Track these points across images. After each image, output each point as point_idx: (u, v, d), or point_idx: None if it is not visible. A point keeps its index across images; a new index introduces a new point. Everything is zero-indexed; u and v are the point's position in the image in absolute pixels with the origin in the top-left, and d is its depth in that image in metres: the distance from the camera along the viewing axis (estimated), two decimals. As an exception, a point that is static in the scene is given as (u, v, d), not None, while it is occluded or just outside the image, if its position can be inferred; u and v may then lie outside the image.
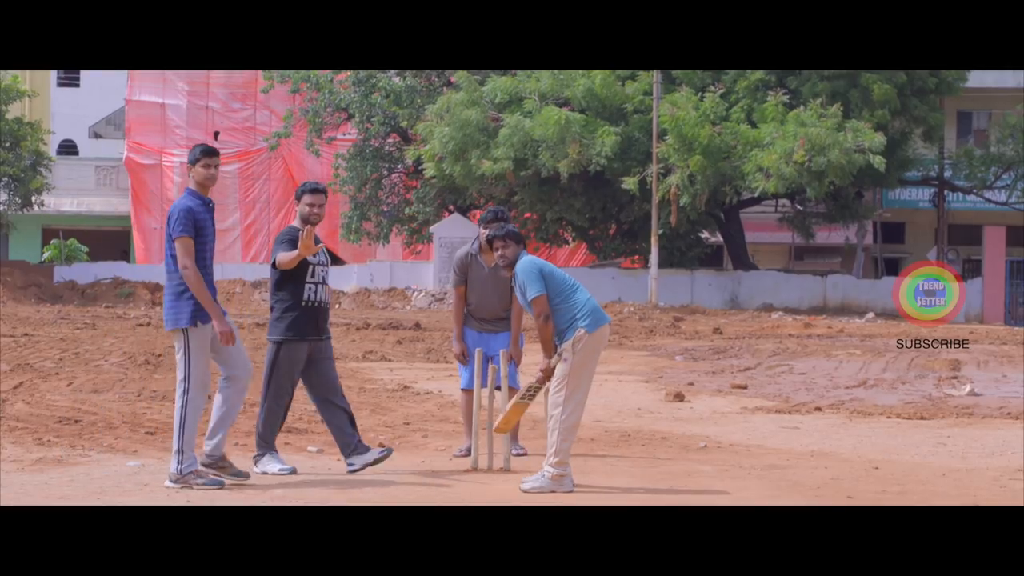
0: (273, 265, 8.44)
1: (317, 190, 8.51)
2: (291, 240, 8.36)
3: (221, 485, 7.81)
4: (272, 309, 8.59)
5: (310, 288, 8.43)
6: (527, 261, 8.12)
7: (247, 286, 35.53)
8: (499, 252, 8.22)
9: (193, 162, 7.95)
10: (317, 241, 8.30)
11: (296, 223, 8.54)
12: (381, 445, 9.70)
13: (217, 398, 8.07)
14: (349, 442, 8.47)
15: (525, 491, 7.82)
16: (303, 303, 8.41)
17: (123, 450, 9.19)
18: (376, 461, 8.40)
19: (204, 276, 7.83)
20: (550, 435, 7.94)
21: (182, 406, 7.80)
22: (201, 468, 7.88)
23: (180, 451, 7.77)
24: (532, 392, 8.33)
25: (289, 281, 8.42)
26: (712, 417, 12.07)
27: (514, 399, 8.56)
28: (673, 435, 10.69)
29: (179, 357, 7.87)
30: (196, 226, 7.81)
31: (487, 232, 9.23)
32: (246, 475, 8.09)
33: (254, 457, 8.47)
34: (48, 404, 11.48)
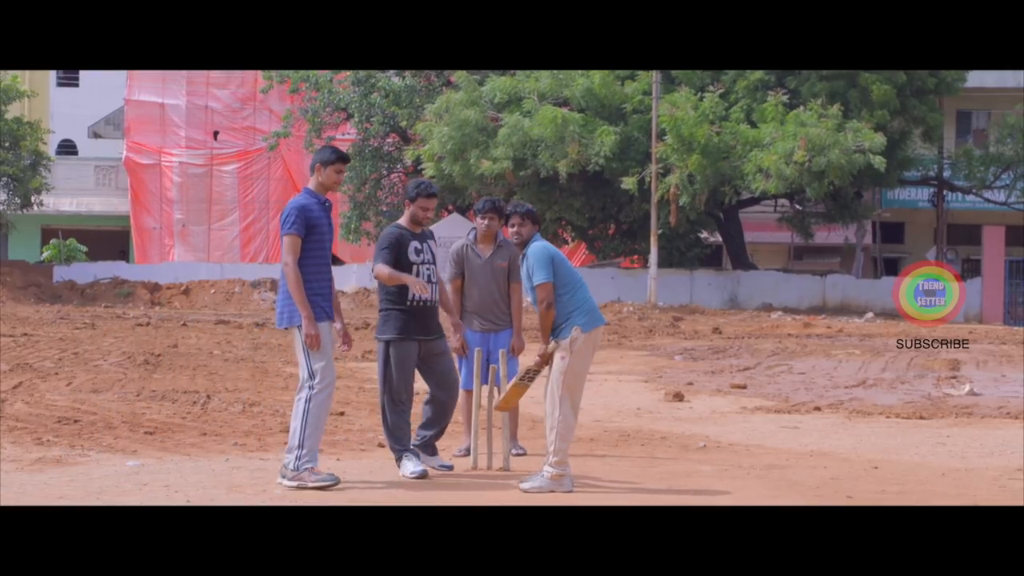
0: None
1: (433, 194, 8.58)
2: (391, 246, 8.30)
3: (337, 482, 7.78)
4: (380, 309, 8.52)
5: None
6: (541, 246, 8.11)
7: (246, 286, 35.52)
8: (515, 229, 8.22)
9: (325, 163, 7.97)
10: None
11: (404, 222, 8.51)
12: (381, 445, 9.72)
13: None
14: (422, 436, 8.54)
15: (525, 491, 7.82)
16: (408, 302, 8.37)
17: (122, 450, 9.19)
18: (437, 468, 8.48)
19: (320, 274, 7.86)
20: (548, 435, 7.94)
21: (304, 400, 7.76)
22: (317, 466, 7.85)
23: (299, 447, 7.73)
24: (531, 375, 8.33)
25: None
26: (711, 417, 12.07)
27: (513, 380, 8.57)
28: (672, 435, 10.69)
29: (298, 356, 7.85)
30: (309, 225, 7.82)
31: (484, 222, 9.24)
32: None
33: (397, 461, 8.41)
34: (47, 404, 11.48)
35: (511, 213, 8.28)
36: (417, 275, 8.37)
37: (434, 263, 8.58)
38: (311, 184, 8.03)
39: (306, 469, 7.74)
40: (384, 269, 8.30)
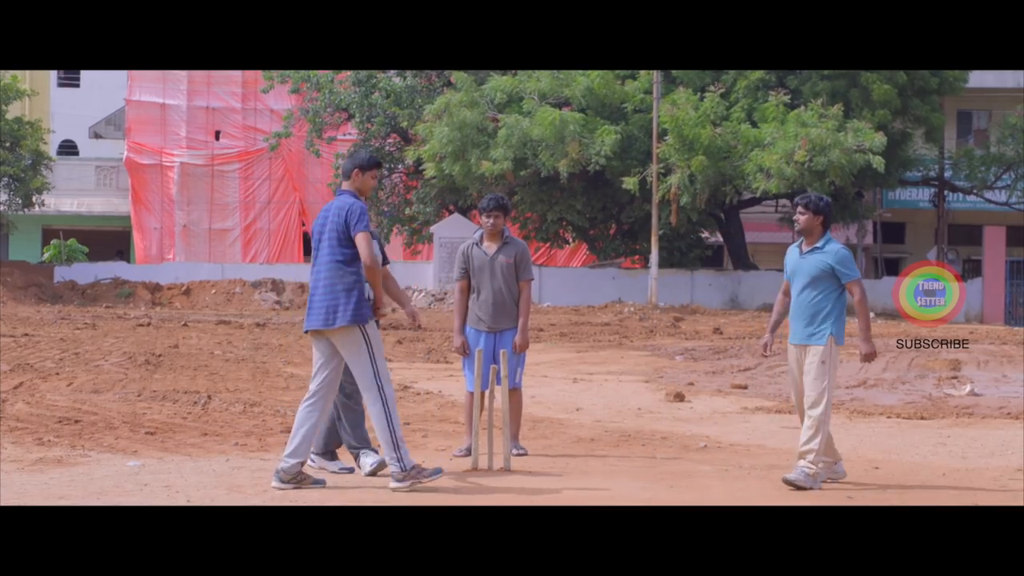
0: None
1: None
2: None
3: (441, 473, 7.81)
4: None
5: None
6: (843, 247, 8.41)
7: (247, 286, 35.52)
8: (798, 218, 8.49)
9: (364, 168, 8.01)
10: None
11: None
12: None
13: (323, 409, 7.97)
14: (327, 445, 8.51)
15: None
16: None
17: (123, 450, 9.18)
18: (336, 472, 8.44)
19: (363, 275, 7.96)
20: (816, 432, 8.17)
21: (383, 403, 7.74)
22: (418, 463, 7.85)
23: (397, 448, 7.73)
24: None
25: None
26: (712, 417, 12.07)
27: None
28: (673, 435, 10.69)
29: (361, 356, 7.78)
30: None
31: (489, 220, 9.25)
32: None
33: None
34: (48, 404, 11.48)
35: (798, 204, 8.53)
36: None
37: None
38: (350, 186, 8.03)
39: (413, 467, 7.76)
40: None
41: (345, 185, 8.08)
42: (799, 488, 8.03)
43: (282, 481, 7.77)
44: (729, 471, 8.82)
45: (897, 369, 16.78)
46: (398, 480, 7.74)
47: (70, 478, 8.00)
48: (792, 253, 8.56)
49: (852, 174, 29.31)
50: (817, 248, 8.39)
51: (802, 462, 8.20)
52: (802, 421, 8.34)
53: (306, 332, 7.98)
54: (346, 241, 7.80)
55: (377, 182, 8.32)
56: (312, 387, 7.95)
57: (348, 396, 8.46)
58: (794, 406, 8.51)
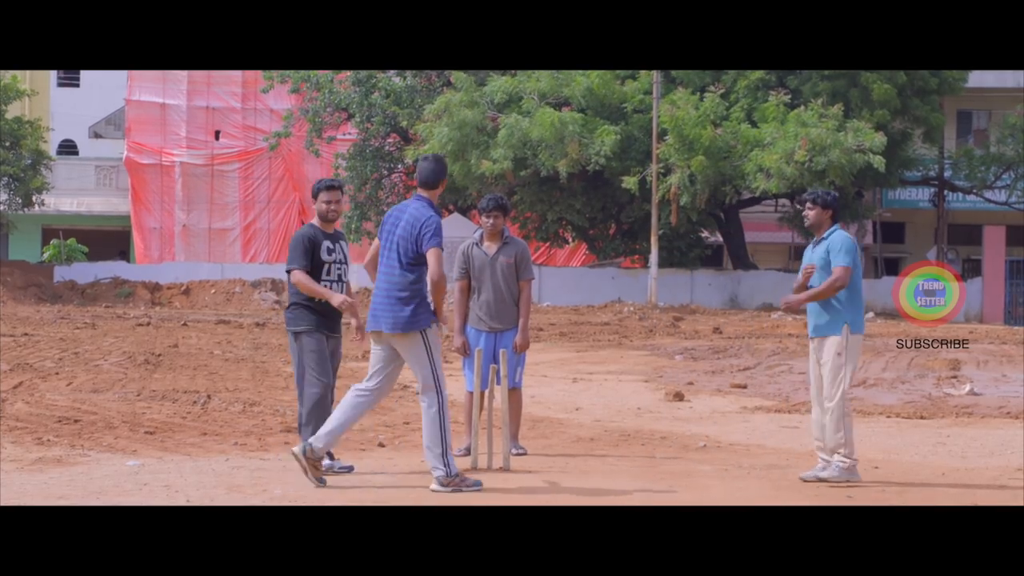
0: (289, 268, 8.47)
1: (333, 186, 8.63)
2: (304, 249, 8.36)
3: (481, 486, 7.82)
4: (288, 304, 8.57)
5: (325, 286, 8.42)
6: (847, 236, 8.42)
7: (247, 286, 35.54)
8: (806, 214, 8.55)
9: (436, 185, 8.04)
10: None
11: (315, 221, 8.61)
12: (382, 445, 9.72)
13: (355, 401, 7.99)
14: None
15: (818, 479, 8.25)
16: (317, 300, 8.40)
17: (122, 450, 9.18)
18: (334, 471, 8.40)
19: None
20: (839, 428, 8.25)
21: (440, 407, 7.77)
22: (461, 471, 7.89)
23: (445, 454, 7.75)
24: None
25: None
26: (712, 417, 12.07)
27: None
28: (673, 435, 10.69)
29: (422, 360, 7.80)
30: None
31: (489, 220, 9.25)
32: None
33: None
34: (48, 404, 11.48)
35: (804, 200, 8.63)
36: (328, 273, 8.44)
37: (346, 263, 8.64)
38: (428, 195, 8.01)
39: (456, 475, 7.78)
40: (303, 278, 8.36)
41: (424, 192, 8.02)
42: (838, 485, 8.15)
43: (305, 455, 7.79)
44: (729, 471, 8.82)
45: (897, 369, 16.78)
46: (442, 485, 7.75)
47: (69, 478, 8.00)
48: (808, 249, 8.66)
49: (852, 174, 29.31)
50: (823, 239, 8.48)
51: (836, 457, 8.29)
52: (821, 415, 8.37)
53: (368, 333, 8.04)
54: (413, 251, 7.81)
55: (332, 206, 8.62)
56: (368, 384, 7.98)
57: (319, 386, 8.43)
58: (812, 399, 8.58)
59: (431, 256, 7.73)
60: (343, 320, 8.66)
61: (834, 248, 8.38)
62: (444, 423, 7.78)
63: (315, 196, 8.60)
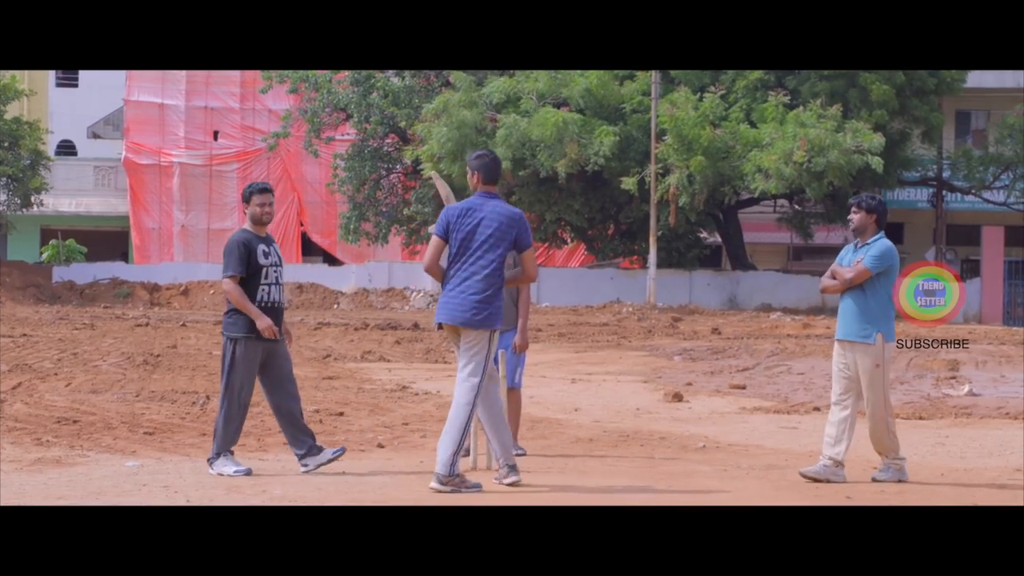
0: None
1: (266, 190, 8.61)
2: (240, 255, 8.33)
3: (481, 488, 7.80)
4: (227, 309, 8.52)
5: (264, 290, 8.38)
6: (890, 246, 8.45)
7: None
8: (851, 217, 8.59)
9: (495, 181, 8.04)
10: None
11: (248, 225, 8.57)
12: (381, 446, 9.72)
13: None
14: (302, 444, 8.43)
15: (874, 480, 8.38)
16: (257, 304, 8.35)
17: (121, 450, 9.18)
18: (331, 460, 8.39)
19: None
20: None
21: (470, 405, 7.79)
22: (461, 473, 7.86)
23: (456, 453, 7.73)
24: None
25: (242, 283, 8.36)
26: (711, 417, 12.07)
27: None
28: (672, 435, 10.69)
29: (478, 356, 7.83)
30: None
31: None
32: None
33: (209, 459, 8.32)
34: (47, 404, 11.48)
35: (850, 204, 8.65)
36: (266, 277, 8.40)
37: (280, 265, 8.60)
38: (492, 190, 8.02)
39: (457, 475, 7.77)
40: (233, 289, 8.33)
41: (489, 188, 8.00)
42: (888, 482, 8.32)
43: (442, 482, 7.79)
44: (728, 471, 8.82)
45: (896, 369, 16.77)
46: (442, 483, 7.73)
47: (68, 478, 7.99)
48: (847, 248, 8.69)
49: (851, 174, 29.33)
50: (867, 244, 8.51)
51: (886, 460, 8.46)
52: (839, 414, 8.47)
53: (439, 325, 8.05)
54: (506, 249, 7.88)
55: (264, 209, 8.60)
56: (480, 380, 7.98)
57: (239, 399, 8.39)
58: (832, 400, 8.62)
59: (531, 256, 8.09)
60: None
61: (870, 251, 8.42)
62: (467, 422, 7.79)
63: (247, 200, 8.55)
